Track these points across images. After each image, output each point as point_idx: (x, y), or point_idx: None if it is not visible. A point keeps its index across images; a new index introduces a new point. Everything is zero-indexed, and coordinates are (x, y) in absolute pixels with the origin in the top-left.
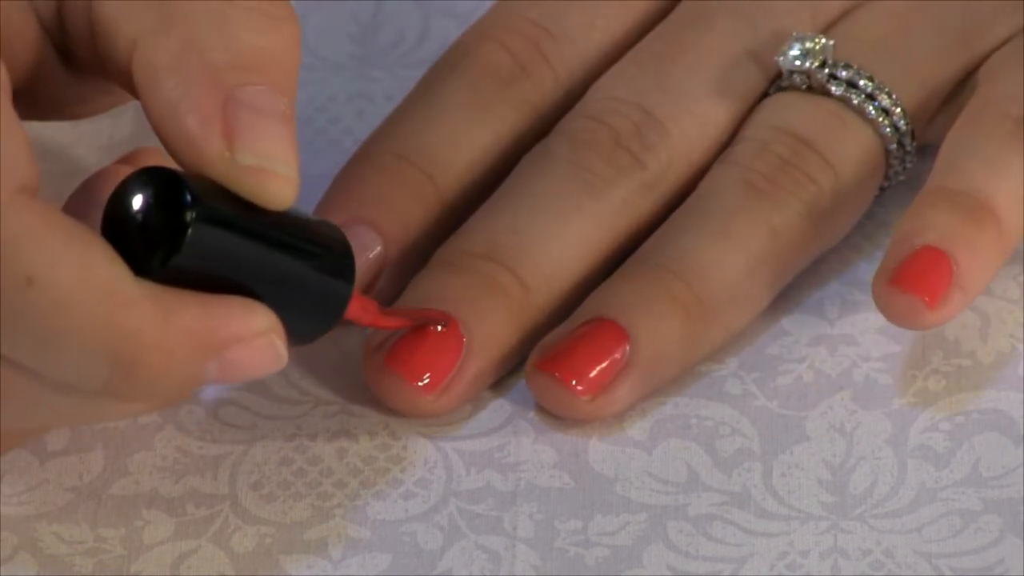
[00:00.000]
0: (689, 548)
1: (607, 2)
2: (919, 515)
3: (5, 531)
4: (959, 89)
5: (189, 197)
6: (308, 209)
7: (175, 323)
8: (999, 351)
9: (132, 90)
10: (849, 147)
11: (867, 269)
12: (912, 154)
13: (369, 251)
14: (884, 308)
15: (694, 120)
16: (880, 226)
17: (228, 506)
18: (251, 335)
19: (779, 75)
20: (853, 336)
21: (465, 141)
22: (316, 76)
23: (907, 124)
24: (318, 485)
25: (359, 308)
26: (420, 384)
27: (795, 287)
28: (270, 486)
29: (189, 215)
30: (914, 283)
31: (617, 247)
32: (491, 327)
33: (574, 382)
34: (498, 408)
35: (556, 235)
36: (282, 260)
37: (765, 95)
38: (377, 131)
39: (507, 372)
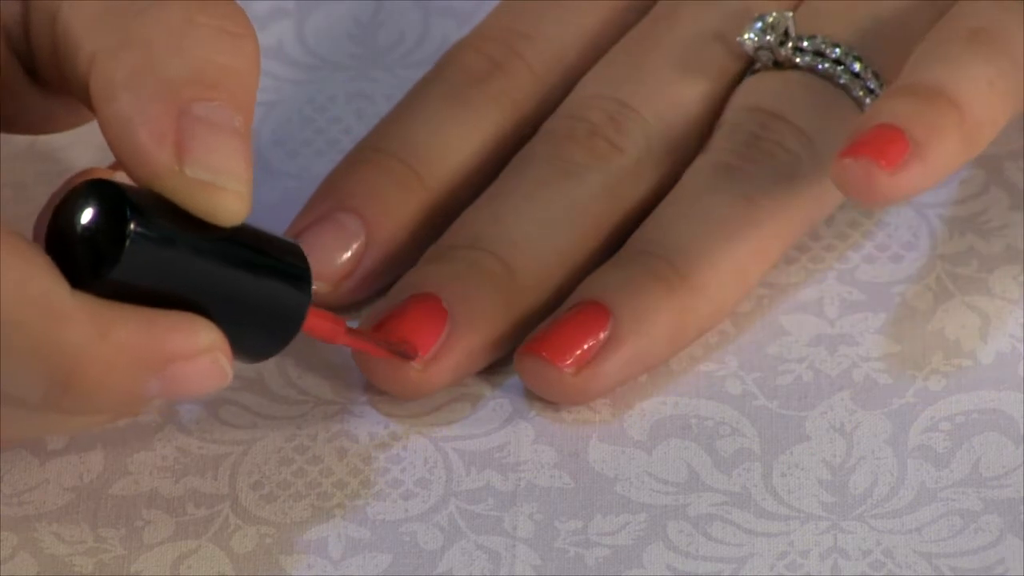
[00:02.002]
0: (689, 548)
1: (581, 3)
2: (919, 515)
3: (5, 531)
4: None
5: (130, 210)
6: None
7: (113, 338)
8: (999, 351)
9: (92, 107)
10: (822, 113)
11: (867, 269)
12: None
13: (353, 238)
14: (838, 180)
15: (667, 102)
16: (879, 225)
17: (228, 506)
18: (194, 352)
19: (752, 61)
20: (853, 336)
21: (451, 135)
22: (316, 76)
23: (880, 85)
24: (318, 485)
25: (325, 325)
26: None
27: (794, 286)
28: (270, 486)
29: (128, 228)
30: (868, 148)
31: (602, 231)
32: (475, 302)
33: (560, 361)
34: (498, 408)
35: (538, 220)
36: (232, 276)
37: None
38: (363, 137)
39: (504, 371)
